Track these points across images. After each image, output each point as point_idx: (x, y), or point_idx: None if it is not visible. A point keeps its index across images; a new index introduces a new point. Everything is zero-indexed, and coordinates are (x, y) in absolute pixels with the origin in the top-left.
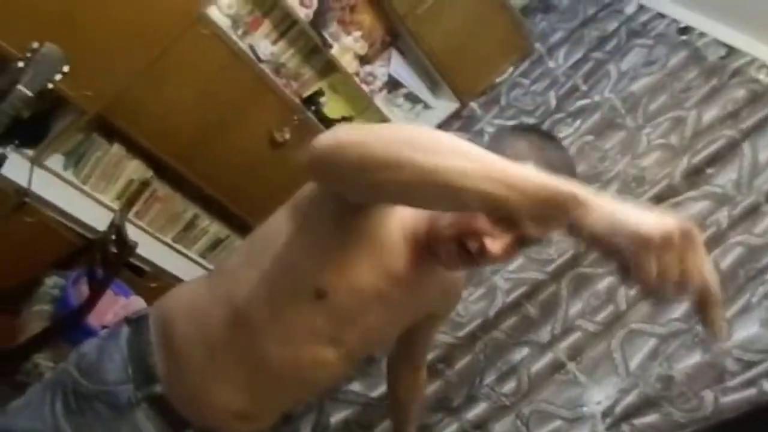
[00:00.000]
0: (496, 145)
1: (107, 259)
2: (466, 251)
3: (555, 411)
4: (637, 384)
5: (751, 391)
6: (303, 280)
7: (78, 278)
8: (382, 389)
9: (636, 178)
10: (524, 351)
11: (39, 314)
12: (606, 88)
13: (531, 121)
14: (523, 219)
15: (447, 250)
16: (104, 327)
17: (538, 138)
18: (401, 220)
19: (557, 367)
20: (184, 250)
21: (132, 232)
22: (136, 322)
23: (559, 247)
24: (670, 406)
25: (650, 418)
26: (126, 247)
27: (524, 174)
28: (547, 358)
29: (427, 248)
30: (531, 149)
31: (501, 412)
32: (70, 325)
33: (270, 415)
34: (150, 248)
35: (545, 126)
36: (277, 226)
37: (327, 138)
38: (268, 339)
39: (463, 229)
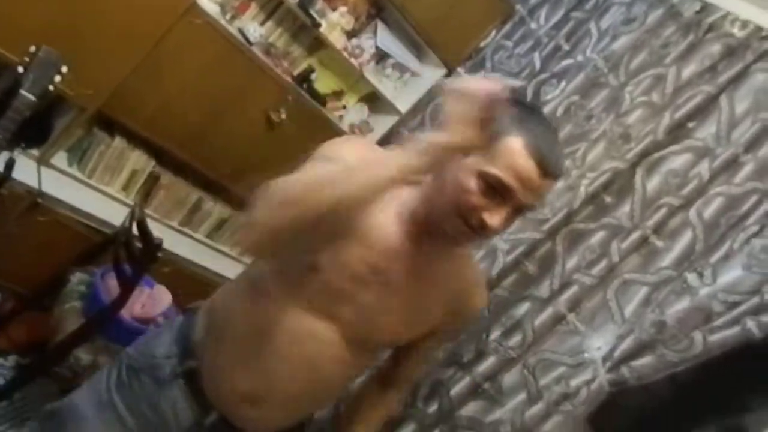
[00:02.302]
0: None
1: (133, 254)
2: (469, 227)
3: (559, 359)
4: (633, 330)
5: (735, 329)
6: (302, 254)
7: (104, 274)
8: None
9: (622, 135)
10: (526, 306)
11: (71, 311)
12: (588, 48)
13: (517, 82)
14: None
15: (453, 226)
16: (134, 318)
17: (521, 111)
18: (394, 202)
19: (558, 318)
20: (191, 233)
21: None
22: (191, 310)
23: (552, 206)
24: (664, 347)
25: (646, 359)
26: (152, 245)
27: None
28: (548, 312)
29: (427, 232)
30: (512, 122)
31: (509, 363)
32: (104, 321)
33: (277, 401)
34: (159, 234)
35: (530, 87)
36: None
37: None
38: (270, 308)
39: (462, 208)
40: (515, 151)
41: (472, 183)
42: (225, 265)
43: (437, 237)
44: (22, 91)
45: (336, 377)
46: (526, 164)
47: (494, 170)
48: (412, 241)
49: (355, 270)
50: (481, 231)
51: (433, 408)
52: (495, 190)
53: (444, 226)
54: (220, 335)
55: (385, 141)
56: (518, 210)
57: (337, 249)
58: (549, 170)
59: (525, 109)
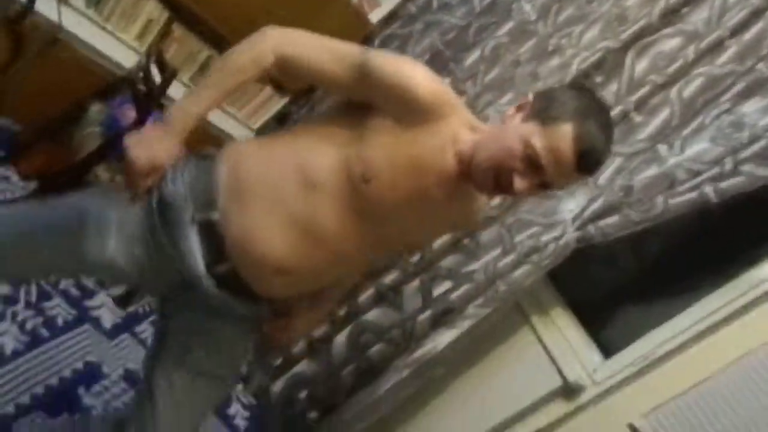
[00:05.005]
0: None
1: (150, 85)
2: (496, 183)
3: (534, 219)
4: (603, 193)
5: (694, 194)
6: (356, 163)
7: (122, 103)
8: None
9: (618, 17)
10: None
11: (90, 135)
12: None
13: None
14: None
15: (484, 177)
16: None
17: (590, 106)
18: (454, 138)
19: None
20: None
21: None
22: (204, 156)
23: (545, 83)
24: (629, 209)
25: (612, 219)
26: (169, 71)
27: None
28: None
29: (466, 170)
30: (577, 112)
31: (488, 222)
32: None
33: (301, 277)
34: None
35: None
36: (358, 113)
37: None
38: (322, 204)
39: (500, 166)
40: (564, 138)
41: (519, 148)
42: (229, 125)
43: (468, 179)
44: None
45: (353, 268)
46: (568, 154)
47: (539, 146)
48: (460, 178)
49: (408, 193)
50: (505, 190)
51: (416, 258)
52: (533, 161)
53: (477, 172)
54: (258, 201)
55: (391, 17)
56: (544, 186)
57: (394, 169)
58: (584, 167)
59: (595, 105)
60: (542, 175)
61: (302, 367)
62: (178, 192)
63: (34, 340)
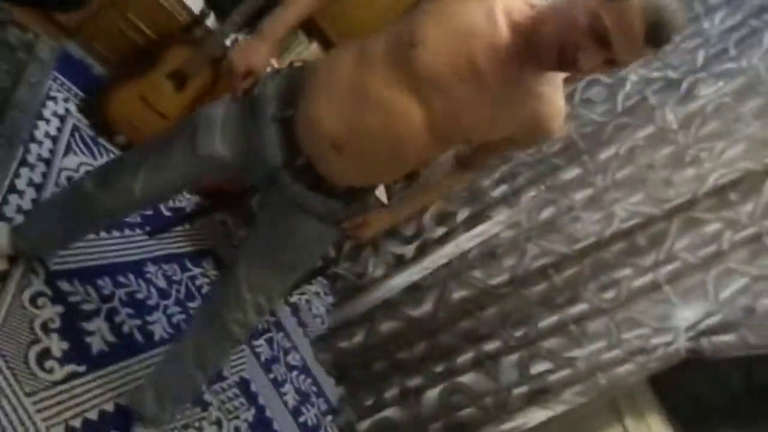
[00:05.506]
0: None
1: None
2: (561, 58)
3: (645, 321)
4: (722, 310)
5: None
6: (405, 31)
7: None
8: (499, 279)
9: (763, 141)
10: (627, 271)
11: None
12: (755, 56)
13: (675, 76)
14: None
15: (546, 52)
16: None
17: None
18: (506, 9)
19: (654, 287)
20: None
21: None
22: (295, 67)
23: (677, 190)
24: (747, 330)
25: (727, 337)
26: None
27: None
28: (647, 278)
29: (526, 46)
30: None
31: (598, 313)
32: None
33: (357, 152)
34: None
35: (686, 82)
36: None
37: None
38: (374, 76)
39: (565, 38)
40: (633, 9)
41: (584, 21)
42: None
43: (530, 54)
44: None
45: (410, 155)
46: (637, 26)
47: (606, 19)
48: (513, 51)
49: (455, 61)
50: (569, 66)
51: (519, 333)
52: (599, 36)
53: (540, 46)
54: (322, 87)
55: None
56: (610, 63)
57: (440, 33)
58: (654, 40)
59: None
60: (609, 52)
61: (391, 412)
62: (267, 92)
63: (177, 333)
